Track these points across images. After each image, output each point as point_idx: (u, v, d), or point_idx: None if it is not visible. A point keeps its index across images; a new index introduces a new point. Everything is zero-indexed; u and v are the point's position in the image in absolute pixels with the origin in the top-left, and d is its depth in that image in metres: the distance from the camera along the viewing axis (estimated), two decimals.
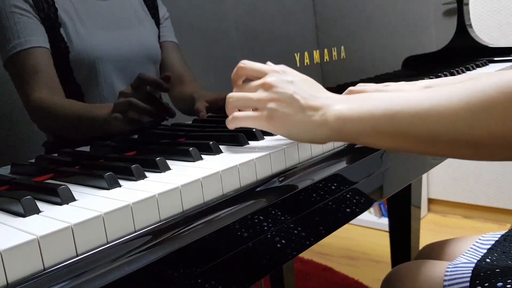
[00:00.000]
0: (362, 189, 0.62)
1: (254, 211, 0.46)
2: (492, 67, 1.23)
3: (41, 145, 0.55)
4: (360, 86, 0.74)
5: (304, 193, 0.52)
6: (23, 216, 0.39)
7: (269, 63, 0.58)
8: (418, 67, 1.19)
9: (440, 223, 2.19)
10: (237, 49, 0.77)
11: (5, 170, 0.51)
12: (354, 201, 0.61)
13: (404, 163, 0.75)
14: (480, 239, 0.75)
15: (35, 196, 0.42)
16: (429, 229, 2.10)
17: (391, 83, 0.74)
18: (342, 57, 0.96)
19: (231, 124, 0.56)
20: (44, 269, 0.34)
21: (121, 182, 0.46)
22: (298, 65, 0.86)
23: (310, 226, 0.54)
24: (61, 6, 0.57)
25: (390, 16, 1.13)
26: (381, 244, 2.01)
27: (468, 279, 0.58)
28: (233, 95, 0.56)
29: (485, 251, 0.70)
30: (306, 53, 0.88)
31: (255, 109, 0.55)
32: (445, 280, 0.61)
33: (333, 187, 0.57)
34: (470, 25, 1.36)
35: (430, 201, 2.31)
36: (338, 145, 0.62)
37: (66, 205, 0.41)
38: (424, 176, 2.22)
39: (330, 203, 0.56)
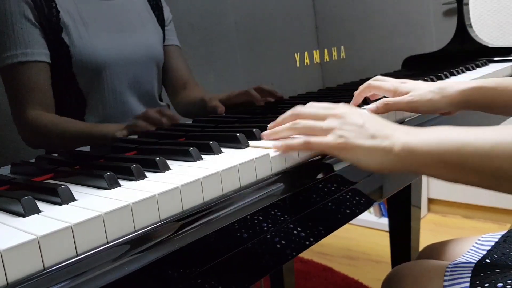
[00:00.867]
0: (362, 189, 0.62)
1: (254, 211, 0.46)
2: (492, 67, 1.23)
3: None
4: (379, 79, 0.77)
5: (304, 193, 0.52)
6: (23, 216, 0.39)
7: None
8: (418, 67, 1.19)
9: (440, 223, 2.19)
10: (237, 49, 0.77)
11: (5, 170, 0.51)
12: (354, 201, 0.61)
13: None
14: (480, 240, 0.75)
15: (35, 196, 0.42)
16: (429, 229, 2.10)
17: (408, 80, 0.76)
18: (342, 57, 0.96)
19: (300, 147, 0.56)
20: (44, 269, 0.34)
21: (121, 182, 0.46)
22: (298, 65, 0.86)
23: (310, 226, 0.54)
24: (64, 9, 0.56)
25: (390, 16, 1.13)
26: (381, 244, 2.01)
27: (468, 279, 0.58)
28: (302, 122, 0.57)
29: (485, 252, 0.70)
30: (306, 53, 0.88)
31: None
32: (445, 280, 0.61)
33: (333, 187, 0.57)
34: (470, 25, 1.36)
35: (430, 201, 2.31)
36: None
37: (66, 205, 0.41)
38: (424, 176, 2.22)
39: (330, 203, 0.56)
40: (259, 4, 0.81)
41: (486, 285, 0.55)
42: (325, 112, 0.57)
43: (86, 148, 0.58)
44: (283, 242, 0.50)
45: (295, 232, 0.51)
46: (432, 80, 0.99)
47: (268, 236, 0.48)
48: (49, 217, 0.38)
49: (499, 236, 0.73)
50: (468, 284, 0.57)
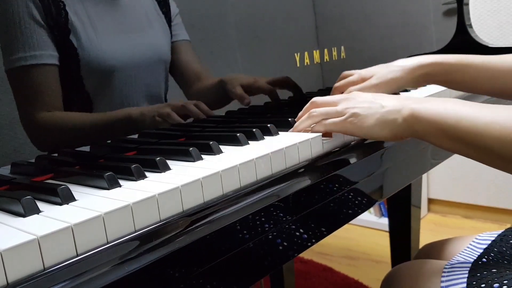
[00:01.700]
0: (362, 189, 0.62)
1: (254, 211, 0.46)
2: None
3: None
4: (345, 75, 0.81)
5: (304, 193, 0.52)
6: (23, 216, 0.39)
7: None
8: None
9: (440, 223, 2.19)
10: (237, 49, 0.77)
11: (5, 170, 0.51)
12: (354, 201, 0.61)
13: (404, 163, 0.75)
14: (477, 238, 0.75)
15: (35, 196, 0.42)
16: (429, 229, 2.10)
17: (370, 68, 0.80)
18: (342, 57, 0.96)
19: (318, 128, 0.60)
20: (44, 269, 0.34)
21: (121, 182, 0.46)
22: (298, 65, 0.86)
23: (310, 226, 0.54)
24: (72, 10, 0.56)
25: (390, 16, 1.13)
26: (381, 244, 2.01)
27: (465, 279, 0.58)
28: (317, 110, 0.61)
29: (481, 250, 0.70)
30: (306, 53, 0.88)
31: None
32: (442, 281, 0.61)
33: (333, 187, 0.57)
34: (470, 25, 1.36)
35: (430, 201, 2.31)
36: (338, 145, 0.62)
37: (66, 205, 0.41)
38: (424, 176, 2.22)
39: (330, 203, 0.56)
40: (259, 4, 0.81)
41: (483, 285, 0.55)
42: (338, 97, 0.62)
43: (86, 148, 0.58)
44: (283, 242, 0.50)
45: (295, 232, 0.51)
46: None
47: (269, 236, 0.48)
48: (49, 217, 0.38)
49: (496, 235, 0.73)
50: (465, 285, 0.57)
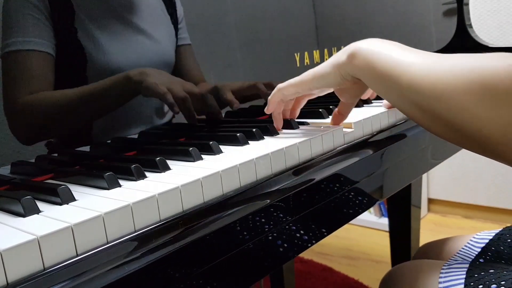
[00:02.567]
0: (362, 189, 0.62)
1: (254, 211, 0.46)
2: None
3: (44, 145, 0.55)
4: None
5: (304, 193, 0.52)
6: (23, 216, 0.39)
7: None
8: None
9: (440, 223, 2.19)
10: (237, 49, 0.77)
11: (5, 170, 0.51)
12: (354, 201, 0.61)
13: (404, 163, 0.75)
14: (474, 237, 0.75)
15: (35, 196, 0.42)
16: (429, 229, 2.10)
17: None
18: None
19: (276, 96, 0.61)
20: (44, 269, 0.34)
21: (121, 182, 0.46)
22: (298, 65, 0.86)
23: (310, 226, 0.54)
24: (80, 10, 0.55)
25: (390, 16, 1.13)
26: (381, 244, 2.01)
27: (463, 280, 0.58)
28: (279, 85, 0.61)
29: (479, 249, 0.70)
30: (306, 53, 0.88)
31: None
32: (440, 282, 0.61)
33: (333, 187, 0.57)
34: (470, 25, 1.36)
35: (430, 201, 2.31)
36: (338, 145, 0.62)
37: (66, 205, 0.41)
38: (424, 176, 2.22)
39: (330, 203, 0.56)
40: (259, 4, 0.81)
41: (480, 286, 0.55)
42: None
43: (86, 148, 0.58)
44: (283, 242, 0.50)
45: (295, 232, 0.51)
46: None
47: (268, 236, 0.48)
48: (49, 217, 0.38)
49: (494, 234, 0.73)
50: (462, 286, 0.57)
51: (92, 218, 0.37)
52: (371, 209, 2.21)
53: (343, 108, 0.64)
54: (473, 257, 0.69)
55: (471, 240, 0.75)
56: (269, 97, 0.62)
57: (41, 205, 0.41)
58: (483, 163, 2.09)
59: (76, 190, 0.46)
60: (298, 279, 1.78)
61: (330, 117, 0.67)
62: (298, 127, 0.66)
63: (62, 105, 0.55)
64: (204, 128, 0.70)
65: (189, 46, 0.68)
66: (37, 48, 0.52)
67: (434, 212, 2.30)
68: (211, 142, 0.56)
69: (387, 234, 1.44)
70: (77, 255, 0.36)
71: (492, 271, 0.57)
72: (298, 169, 0.55)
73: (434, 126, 0.47)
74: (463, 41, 1.34)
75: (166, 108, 0.66)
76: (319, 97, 0.66)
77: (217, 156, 0.54)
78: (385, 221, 2.09)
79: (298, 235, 0.52)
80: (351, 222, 0.73)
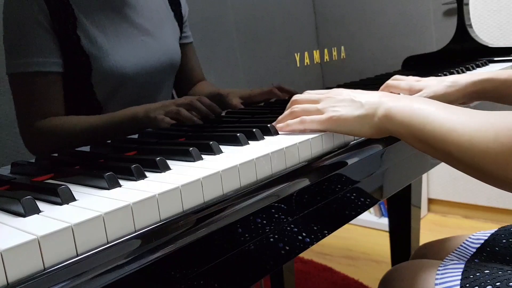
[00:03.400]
0: (362, 189, 0.62)
1: (254, 211, 0.46)
2: (492, 67, 1.23)
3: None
4: (396, 78, 0.81)
5: (304, 193, 0.52)
6: (23, 216, 0.39)
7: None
8: (418, 67, 1.19)
9: (440, 223, 2.19)
10: (237, 49, 0.77)
11: (5, 170, 0.51)
12: (354, 201, 0.61)
13: (404, 163, 0.75)
14: (470, 238, 0.75)
15: (35, 196, 0.42)
16: (429, 229, 2.10)
17: (422, 78, 0.80)
18: (342, 57, 0.96)
19: (297, 126, 0.61)
20: (44, 269, 0.34)
21: (121, 182, 0.46)
22: (298, 65, 0.86)
23: (310, 226, 0.54)
24: (82, 15, 0.55)
25: (390, 16, 1.13)
26: (381, 244, 2.01)
27: (459, 281, 0.58)
28: (299, 106, 0.62)
29: (474, 250, 0.70)
30: (306, 53, 0.88)
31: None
32: (436, 284, 0.61)
33: (333, 187, 0.57)
34: (470, 25, 1.36)
35: (430, 201, 2.31)
36: (338, 145, 0.62)
37: (66, 205, 0.41)
38: (424, 176, 2.22)
39: (330, 203, 0.56)
40: (259, 4, 0.81)
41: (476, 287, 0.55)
42: (319, 96, 0.62)
43: (86, 148, 0.58)
44: (283, 242, 0.50)
45: (295, 232, 0.51)
46: None
47: (269, 236, 0.48)
48: (49, 217, 0.38)
49: (489, 234, 0.73)
50: (458, 287, 0.57)
51: (92, 218, 0.37)
52: (371, 209, 2.21)
53: None
54: (468, 257, 0.69)
55: (467, 240, 0.75)
56: (291, 122, 0.62)
57: (41, 205, 0.41)
58: None
59: (76, 190, 0.46)
60: (298, 279, 1.78)
61: None
62: None
63: (78, 133, 0.57)
64: (204, 128, 0.70)
65: (192, 45, 0.69)
66: (43, 69, 0.52)
67: (434, 212, 2.30)
68: (211, 142, 0.56)
69: (387, 234, 1.44)
70: (77, 255, 0.36)
71: (487, 271, 0.57)
72: (298, 169, 0.55)
73: (472, 175, 0.54)
74: (463, 41, 1.34)
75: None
76: None
77: (217, 156, 0.54)
78: (385, 221, 2.09)
79: (298, 235, 0.52)
80: (351, 222, 0.73)
